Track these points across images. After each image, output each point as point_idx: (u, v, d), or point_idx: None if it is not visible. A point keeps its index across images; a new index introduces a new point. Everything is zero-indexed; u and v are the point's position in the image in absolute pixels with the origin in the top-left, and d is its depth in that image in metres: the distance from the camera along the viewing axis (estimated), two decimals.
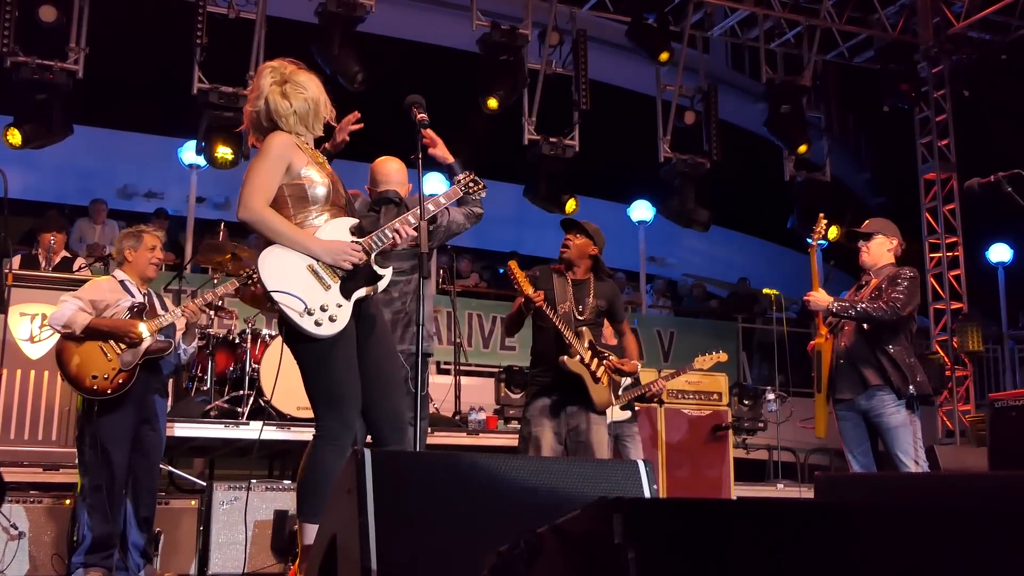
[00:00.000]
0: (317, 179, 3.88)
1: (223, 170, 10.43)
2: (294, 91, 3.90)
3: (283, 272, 3.76)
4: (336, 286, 3.83)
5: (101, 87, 10.74)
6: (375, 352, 3.99)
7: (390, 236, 3.97)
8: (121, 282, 5.64)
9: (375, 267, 3.93)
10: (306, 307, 3.73)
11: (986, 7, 12.57)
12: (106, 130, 14.18)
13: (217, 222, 9.29)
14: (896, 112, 13.43)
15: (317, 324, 3.73)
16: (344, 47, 10.24)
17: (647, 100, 12.91)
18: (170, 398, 6.41)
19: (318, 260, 3.81)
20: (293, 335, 3.81)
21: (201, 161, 10.67)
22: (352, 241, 3.88)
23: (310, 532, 3.68)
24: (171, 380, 6.55)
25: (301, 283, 3.76)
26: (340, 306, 3.80)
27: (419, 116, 4.23)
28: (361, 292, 3.89)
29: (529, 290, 5.42)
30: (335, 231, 3.89)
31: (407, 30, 13.61)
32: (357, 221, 4.00)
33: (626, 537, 1.52)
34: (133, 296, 5.58)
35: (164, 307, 5.73)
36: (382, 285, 3.98)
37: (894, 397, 5.52)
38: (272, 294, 3.73)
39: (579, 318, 5.64)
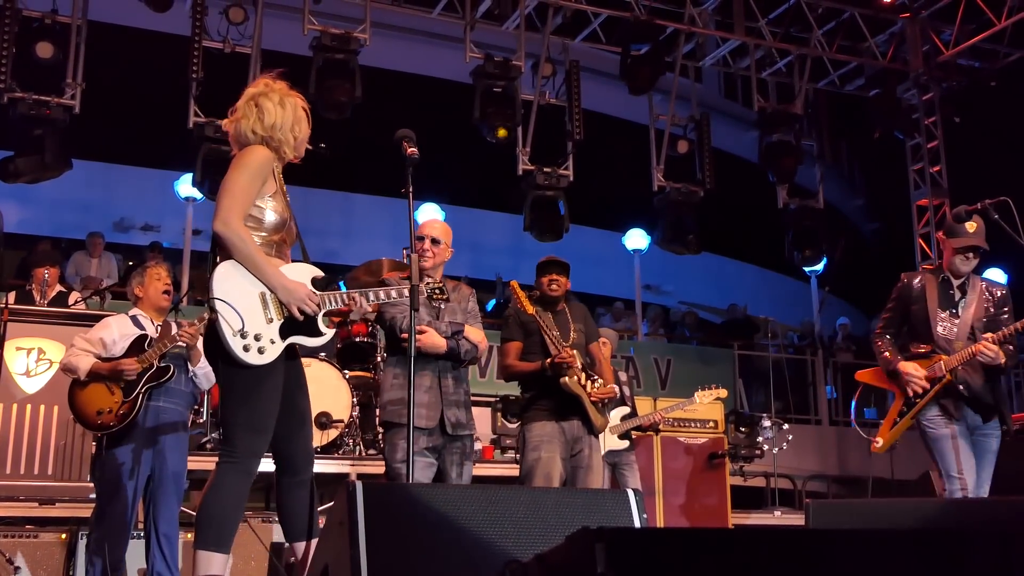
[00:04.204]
0: (277, 208, 3.85)
1: None
2: (281, 110, 3.90)
3: (234, 288, 3.71)
4: (277, 324, 3.77)
5: (98, 121, 10.80)
6: (293, 389, 3.93)
7: (346, 301, 3.92)
8: (133, 317, 5.69)
9: (320, 324, 3.87)
10: (243, 328, 3.66)
11: (975, 35, 12.71)
12: (103, 164, 14.26)
13: None
14: (888, 139, 13.52)
15: (245, 349, 3.67)
16: (338, 79, 10.32)
17: (640, 129, 13.00)
18: None
19: (272, 293, 3.77)
20: (224, 356, 3.73)
21: (197, 194, 10.72)
22: (311, 291, 3.84)
23: (212, 562, 3.62)
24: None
25: (247, 305, 3.71)
26: (273, 342, 3.74)
27: (409, 151, 4.23)
28: (297, 339, 3.84)
29: (530, 308, 5.52)
30: (299, 274, 3.86)
31: (402, 63, 13.71)
32: (321, 274, 3.95)
33: (608, 567, 1.54)
34: (143, 330, 5.61)
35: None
36: (316, 344, 3.90)
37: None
38: (215, 301, 3.66)
39: (568, 344, 5.66)
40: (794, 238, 12.79)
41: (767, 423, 9.72)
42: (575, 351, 5.57)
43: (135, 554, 5.72)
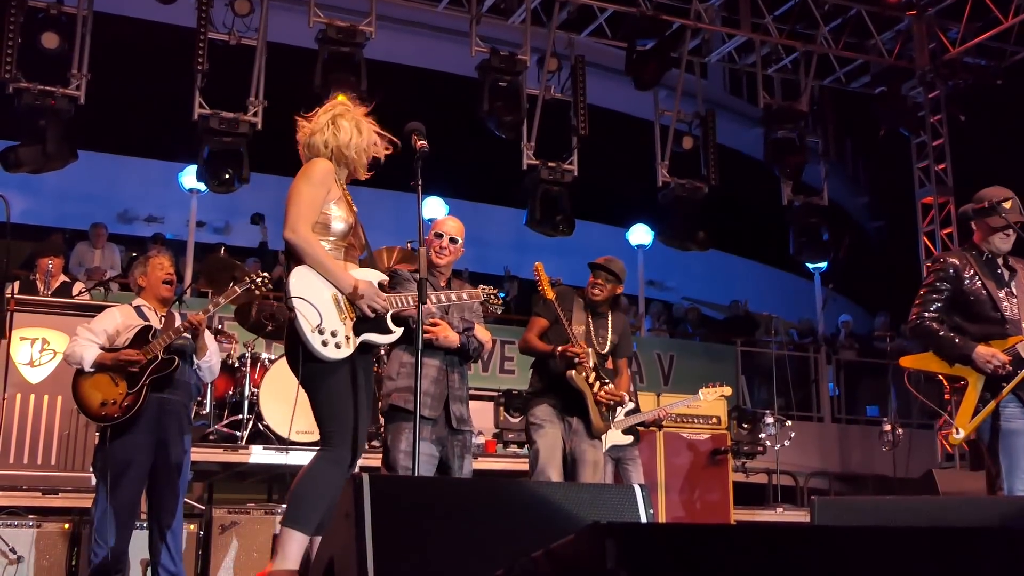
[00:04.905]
0: (342, 215, 4.05)
1: (223, 195, 10.48)
2: (356, 132, 4.11)
3: (309, 288, 3.90)
4: (350, 322, 3.97)
5: (102, 112, 10.81)
6: (361, 385, 4.07)
7: (412, 302, 4.14)
8: (136, 308, 5.69)
9: (389, 323, 4.09)
10: (320, 324, 3.85)
11: (981, 33, 12.68)
12: (107, 155, 14.27)
13: (217, 246, 9.33)
14: (893, 136, 13.51)
15: (324, 344, 3.85)
16: (343, 72, 10.32)
17: (645, 125, 12.98)
18: None
19: (343, 294, 3.97)
20: (305, 354, 3.89)
21: (201, 186, 10.72)
22: (378, 291, 4.05)
23: (292, 539, 3.77)
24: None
25: (323, 304, 3.90)
26: (348, 338, 3.93)
27: (419, 144, 4.27)
28: (369, 337, 4.02)
29: (550, 292, 5.57)
30: (366, 276, 4.06)
31: (407, 56, 13.70)
32: (386, 277, 4.21)
33: (619, 562, 1.54)
34: (147, 321, 5.61)
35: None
36: (385, 341, 4.12)
37: None
38: (294, 300, 3.83)
39: (589, 343, 5.71)
40: (798, 235, 12.78)
41: (770, 420, 9.72)
42: (590, 349, 5.59)
43: (138, 545, 5.74)
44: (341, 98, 4.29)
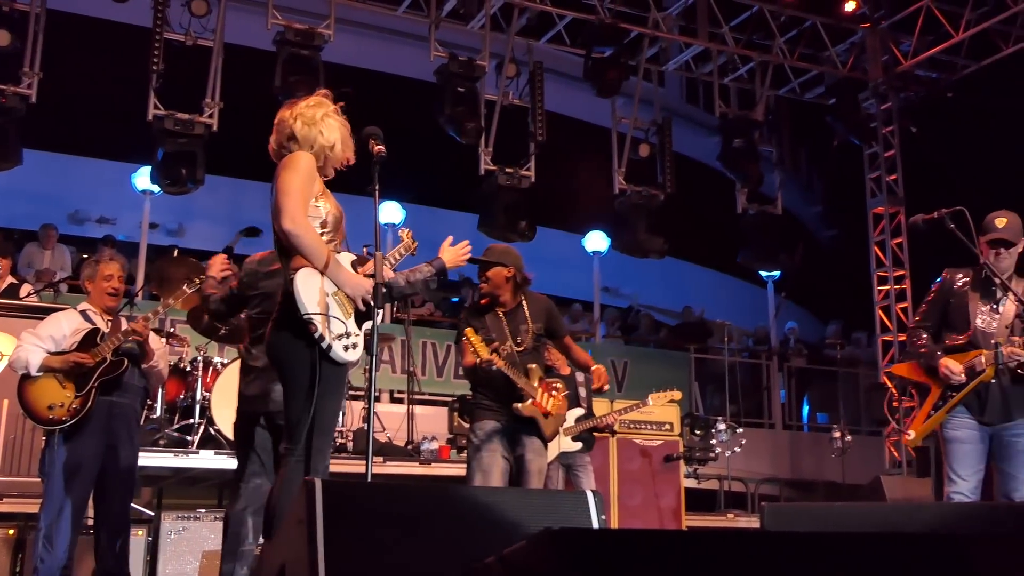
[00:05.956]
0: (331, 207, 4.04)
1: (177, 196, 10.37)
2: (339, 136, 4.10)
3: (317, 296, 3.85)
4: (353, 317, 3.97)
5: (54, 111, 10.65)
6: None
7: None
8: (83, 312, 5.63)
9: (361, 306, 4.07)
10: (346, 330, 3.86)
11: (933, 47, 12.91)
12: (58, 155, 14.05)
13: (170, 248, 9.22)
14: (846, 147, 13.69)
15: (345, 349, 3.86)
16: (301, 75, 10.25)
17: (602, 132, 13.04)
18: None
19: (339, 290, 3.93)
20: (323, 355, 3.83)
21: (155, 187, 10.60)
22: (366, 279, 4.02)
23: None
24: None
25: (334, 309, 3.88)
26: (358, 335, 3.95)
27: (376, 148, 4.25)
28: (367, 326, 4.01)
29: (485, 354, 5.36)
30: (344, 264, 4.03)
31: (366, 60, 13.65)
32: (355, 256, 4.15)
33: (571, 568, 1.55)
34: (94, 324, 5.55)
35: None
36: (367, 326, 4.05)
37: None
38: (311, 317, 3.78)
39: (520, 351, 5.56)
40: (751, 243, 12.90)
41: (722, 426, 9.80)
42: (501, 352, 5.47)
43: (85, 550, 5.66)
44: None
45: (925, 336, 5.31)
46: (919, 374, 5.33)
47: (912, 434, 5.30)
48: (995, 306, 5.18)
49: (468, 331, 5.48)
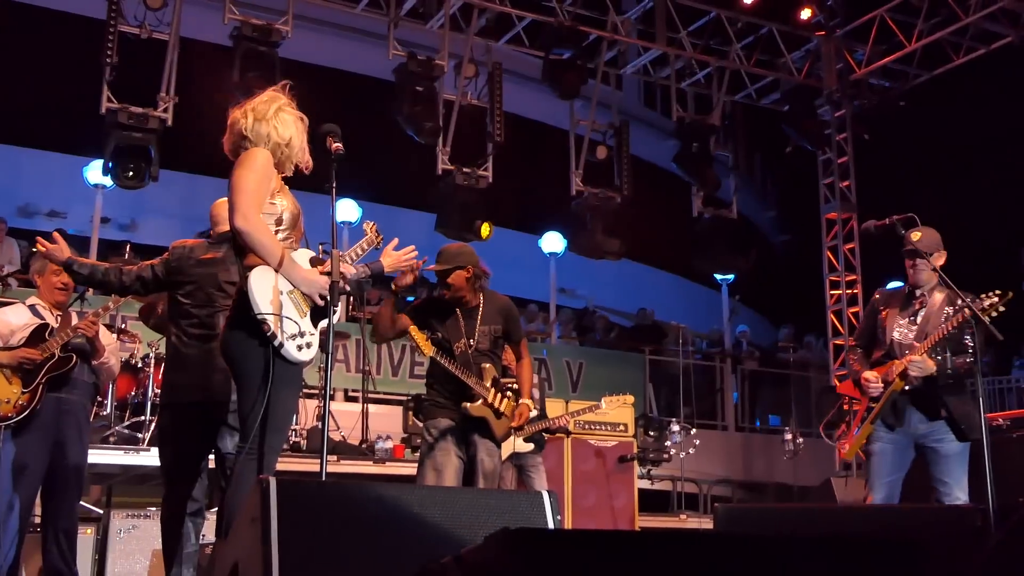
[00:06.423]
0: (288, 204, 3.98)
1: (130, 191, 10.24)
2: (296, 131, 4.04)
3: (271, 294, 3.79)
4: (308, 315, 3.91)
5: (4, 103, 10.48)
6: None
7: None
8: (31, 307, 5.55)
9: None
10: (299, 330, 3.80)
11: (886, 56, 13.13)
12: (8, 147, 13.80)
13: (123, 243, 9.11)
14: (801, 153, 13.85)
15: (299, 348, 3.81)
16: (258, 71, 10.17)
17: (560, 134, 13.09)
18: None
19: (295, 288, 3.87)
20: (276, 354, 3.77)
21: (107, 181, 10.45)
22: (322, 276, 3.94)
23: None
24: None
25: (288, 308, 3.83)
26: (312, 335, 3.90)
27: (334, 146, 4.21)
28: (322, 324, 3.96)
29: (429, 351, 5.44)
30: (303, 261, 3.96)
31: (323, 57, 13.57)
32: (314, 254, 4.08)
33: (527, 567, 1.55)
34: (43, 319, 5.46)
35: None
36: (324, 324, 4.00)
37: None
38: (264, 316, 3.73)
39: (476, 351, 5.54)
40: (707, 246, 13.01)
41: (676, 428, 9.87)
42: (456, 350, 5.49)
43: (32, 549, 5.57)
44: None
45: (858, 352, 5.59)
46: (853, 390, 5.58)
47: (847, 447, 5.58)
48: (913, 318, 5.36)
49: (412, 329, 5.49)
